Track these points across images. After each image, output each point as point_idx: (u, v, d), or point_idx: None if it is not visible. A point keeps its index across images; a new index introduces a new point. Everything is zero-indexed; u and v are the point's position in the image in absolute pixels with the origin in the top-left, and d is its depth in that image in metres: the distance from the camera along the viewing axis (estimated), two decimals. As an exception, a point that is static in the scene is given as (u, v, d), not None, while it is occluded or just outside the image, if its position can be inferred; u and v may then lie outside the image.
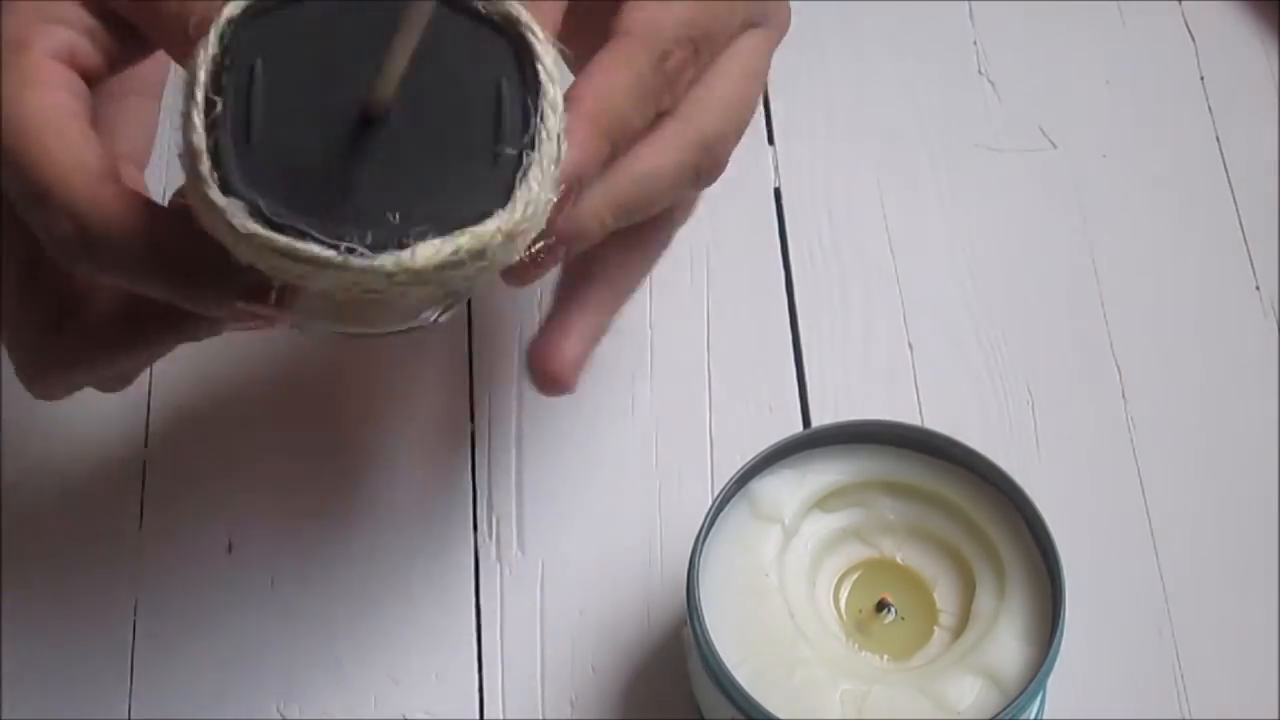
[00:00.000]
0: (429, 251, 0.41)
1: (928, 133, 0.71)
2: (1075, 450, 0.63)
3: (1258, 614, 0.59)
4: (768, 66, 0.53)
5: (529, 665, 0.59)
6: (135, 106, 0.51)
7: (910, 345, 0.65)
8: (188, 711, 0.58)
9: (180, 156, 0.43)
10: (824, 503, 0.56)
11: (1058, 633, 0.52)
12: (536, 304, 0.66)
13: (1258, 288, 0.66)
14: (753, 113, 0.52)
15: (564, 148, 0.43)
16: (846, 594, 0.55)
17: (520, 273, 0.46)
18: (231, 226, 0.41)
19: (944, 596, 0.55)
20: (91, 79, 0.46)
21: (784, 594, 0.54)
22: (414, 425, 0.63)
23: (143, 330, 0.47)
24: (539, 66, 0.43)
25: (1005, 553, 0.54)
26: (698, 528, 0.54)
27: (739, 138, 0.52)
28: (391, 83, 0.41)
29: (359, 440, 0.63)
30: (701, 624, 0.52)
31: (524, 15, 0.44)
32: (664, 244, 0.54)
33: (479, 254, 0.41)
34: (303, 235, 0.41)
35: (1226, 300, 0.66)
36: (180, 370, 0.64)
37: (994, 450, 0.56)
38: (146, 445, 0.63)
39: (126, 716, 0.58)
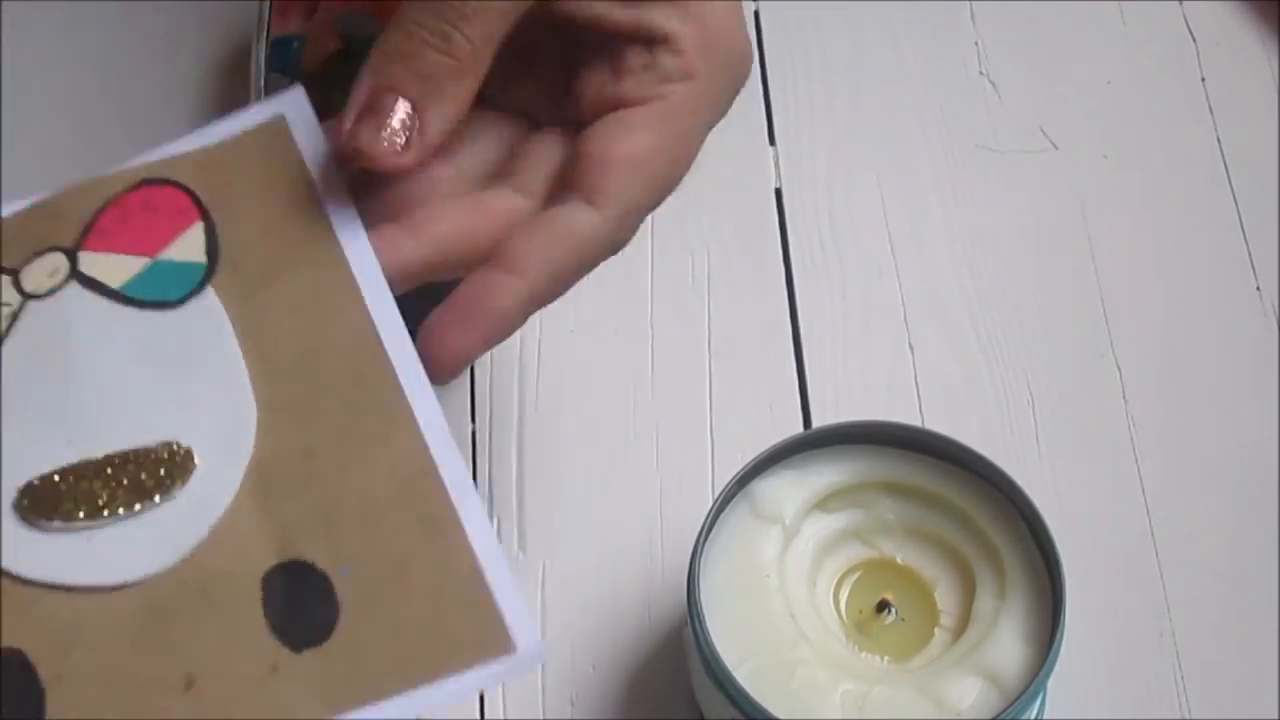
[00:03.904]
0: None
1: (929, 133, 0.71)
2: (1075, 450, 0.63)
3: (1258, 614, 0.59)
4: (700, 127, 0.50)
5: (529, 665, 0.59)
6: None
7: (911, 345, 0.65)
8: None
9: None
10: (824, 503, 0.56)
11: (1058, 633, 0.52)
12: (537, 304, 0.66)
13: (1258, 288, 0.66)
14: (678, 183, 0.50)
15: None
16: (847, 595, 0.55)
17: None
18: None
19: (944, 597, 0.55)
20: None
21: (784, 594, 0.54)
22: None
23: None
24: None
25: (1005, 553, 0.54)
26: (698, 528, 0.54)
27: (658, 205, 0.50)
28: None
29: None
30: (702, 624, 0.52)
31: None
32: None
33: None
34: None
35: (1227, 300, 0.66)
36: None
37: (994, 450, 0.56)
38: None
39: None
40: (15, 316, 0.47)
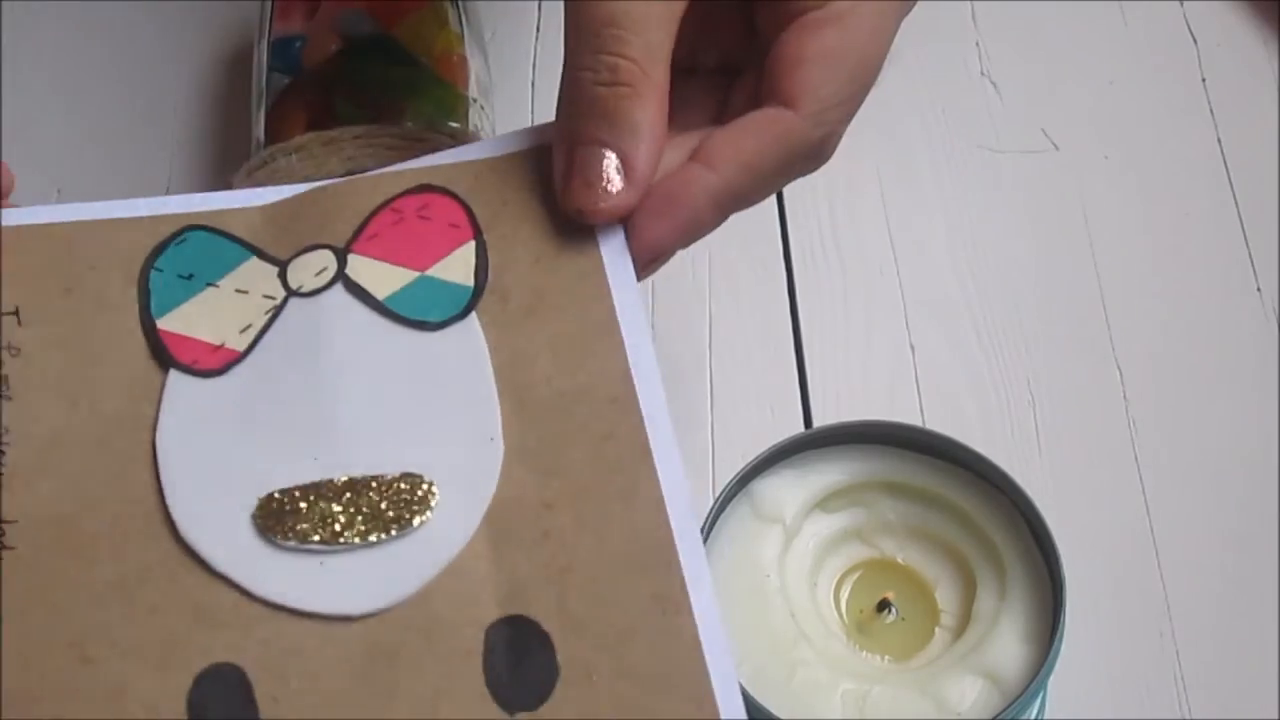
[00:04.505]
0: None
1: (930, 134, 0.71)
2: (1076, 450, 0.63)
3: (1258, 614, 0.59)
4: (887, 17, 0.50)
5: (530, 665, 0.59)
6: None
7: (911, 346, 0.65)
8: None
9: None
10: (825, 503, 0.56)
11: (1058, 633, 0.52)
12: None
13: (1259, 289, 0.66)
14: (873, 81, 0.50)
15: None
16: (847, 594, 0.55)
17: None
18: None
19: (945, 597, 0.55)
20: None
21: (785, 594, 0.54)
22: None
23: None
24: None
25: (1006, 553, 0.54)
26: (699, 528, 0.54)
27: (852, 115, 0.50)
28: None
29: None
30: (702, 624, 0.52)
31: None
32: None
33: None
34: None
35: (1227, 301, 0.66)
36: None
37: (995, 451, 0.56)
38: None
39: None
40: (277, 311, 0.47)
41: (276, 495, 0.44)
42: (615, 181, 0.46)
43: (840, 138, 0.49)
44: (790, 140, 0.48)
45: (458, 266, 0.47)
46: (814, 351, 0.65)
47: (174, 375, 0.46)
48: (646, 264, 0.47)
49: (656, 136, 0.47)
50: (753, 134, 0.47)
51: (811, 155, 0.49)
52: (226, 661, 0.42)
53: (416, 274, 0.47)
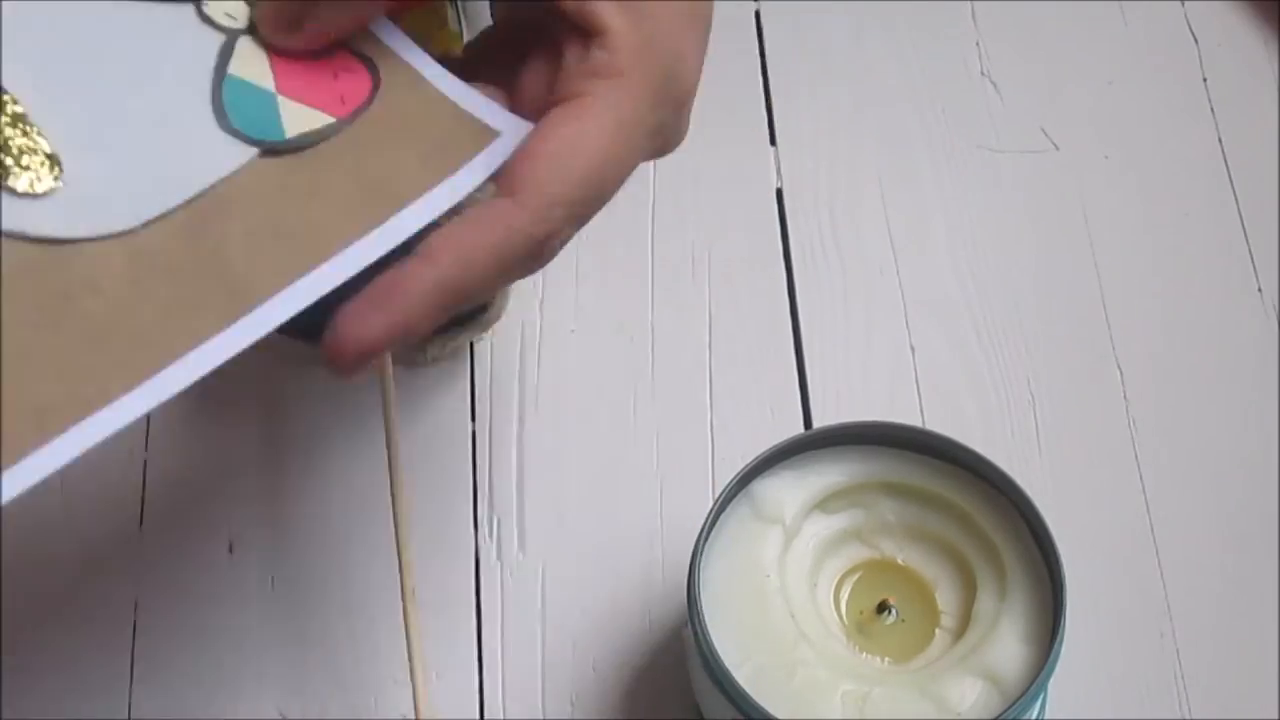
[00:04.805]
0: None
1: (930, 134, 0.71)
2: (1076, 451, 0.63)
3: (1258, 614, 0.59)
4: (629, 130, 0.47)
5: (529, 665, 0.59)
6: None
7: (911, 346, 0.65)
8: (188, 711, 0.58)
9: None
10: (825, 504, 0.56)
11: (1059, 634, 0.51)
12: (539, 304, 0.66)
13: (1259, 289, 0.66)
14: (612, 187, 0.47)
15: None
16: (847, 595, 0.55)
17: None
18: None
19: (945, 598, 0.55)
20: None
21: (785, 595, 0.54)
22: (415, 425, 0.63)
23: None
24: None
25: (1006, 554, 0.54)
26: (699, 528, 0.54)
27: (581, 219, 0.47)
28: None
29: (360, 440, 0.63)
30: (702, 624, 0.52)
31: None
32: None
33: None
34: None
35: (1228, 301, 0.66)
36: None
37: (995, 451, 0.56)
38: (146, 447, 0.63)
39: (127, 716, 0.58)
40: None
41: None
42: (293, 12, 0.47)
43: (566, 240, 0.47)
44: (509, 233, 0.45)
45: (305, 120, 0.47)
46: (814, 351, 0.65)
47: None
48: (356, 361, 0.45)
49: (352, 21, 0.48)
50: (473, 226, 0.45)
51: (533, 253, 0.46)
52: None
53: (273, 93, 0.47)
